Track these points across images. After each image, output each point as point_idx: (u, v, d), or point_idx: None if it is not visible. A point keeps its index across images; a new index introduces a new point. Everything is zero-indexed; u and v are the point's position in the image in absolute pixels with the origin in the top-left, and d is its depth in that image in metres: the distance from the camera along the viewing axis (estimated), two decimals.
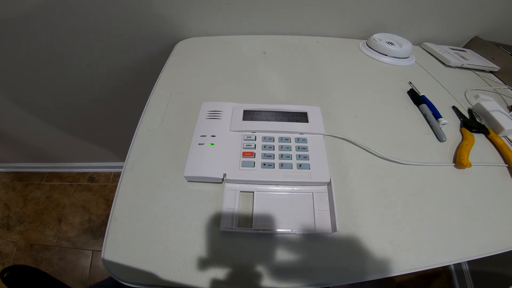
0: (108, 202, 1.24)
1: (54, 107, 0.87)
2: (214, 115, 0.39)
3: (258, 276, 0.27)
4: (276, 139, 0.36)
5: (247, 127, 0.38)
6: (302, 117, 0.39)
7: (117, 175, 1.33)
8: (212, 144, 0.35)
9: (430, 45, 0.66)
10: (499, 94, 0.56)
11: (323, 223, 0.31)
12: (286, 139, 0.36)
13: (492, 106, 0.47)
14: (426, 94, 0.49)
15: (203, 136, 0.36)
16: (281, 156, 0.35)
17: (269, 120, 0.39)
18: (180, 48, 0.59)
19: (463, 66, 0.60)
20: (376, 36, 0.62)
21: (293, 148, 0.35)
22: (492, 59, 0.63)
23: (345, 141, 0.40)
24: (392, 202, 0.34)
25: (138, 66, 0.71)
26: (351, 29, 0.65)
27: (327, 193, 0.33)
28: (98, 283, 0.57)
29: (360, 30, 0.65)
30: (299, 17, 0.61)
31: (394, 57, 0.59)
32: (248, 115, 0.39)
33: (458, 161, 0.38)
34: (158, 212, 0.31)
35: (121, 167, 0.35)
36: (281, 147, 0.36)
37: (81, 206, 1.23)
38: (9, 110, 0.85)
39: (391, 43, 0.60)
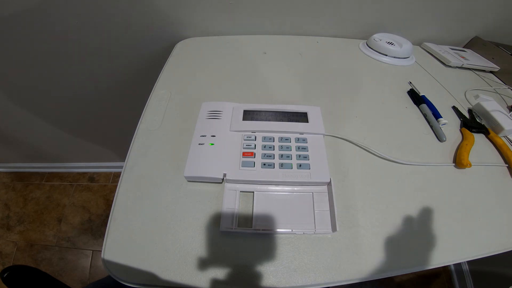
0: (108, 202, 1.24)
1: (54, 107, 0.87)
2: (214, 115, 0.39)
3: (258, 276, 0.27)
4: (276, 139, 0.36)
5: (247, 127, 0.38)
6: (302, 117, 0.39)
7: (117, 175, 1.33)
8: (212, 144, 0.35)
9: (430, 45, 0.66)
10: (499, 94, 0.56)
11: (323, 223, 0.31)
12: (286, 139, 0.36)
13: (492, 106, 0.47)
14: (426, 94, 0.49)
15: (203, 136, 0.36)
16: (281, 156, 0.35)
17: (269, 120, 0.39)
18: (180, 48, 0.59)
19: (463, 66, 0.60)
20: (376, 36, 0.62)
21: (293, 148, 0.35)
22: (492, 59, 0.63)
23: (345, 141, 0.40)
24: (392, 202, 0.34)
25: (138, 66, 0.71)
26: (351, 29, 0.65)
27: (327, 193, 0.33)
28: (98, 280, 0.57)
29: (360, 30, 0.65)
30: (299, 17, 0.61)
31: (394, 57, 0.59)
32: (248, 115, 0.39)
33: (458, 161, 0.38)
34: (158, 212, 0.31)
35: (121, 167, 0.35)
36: (281, 147, 0.36)
37: (81, 206, 1.23)
38: (9, 110, 0.85)
39: (391, 43, 0.60)
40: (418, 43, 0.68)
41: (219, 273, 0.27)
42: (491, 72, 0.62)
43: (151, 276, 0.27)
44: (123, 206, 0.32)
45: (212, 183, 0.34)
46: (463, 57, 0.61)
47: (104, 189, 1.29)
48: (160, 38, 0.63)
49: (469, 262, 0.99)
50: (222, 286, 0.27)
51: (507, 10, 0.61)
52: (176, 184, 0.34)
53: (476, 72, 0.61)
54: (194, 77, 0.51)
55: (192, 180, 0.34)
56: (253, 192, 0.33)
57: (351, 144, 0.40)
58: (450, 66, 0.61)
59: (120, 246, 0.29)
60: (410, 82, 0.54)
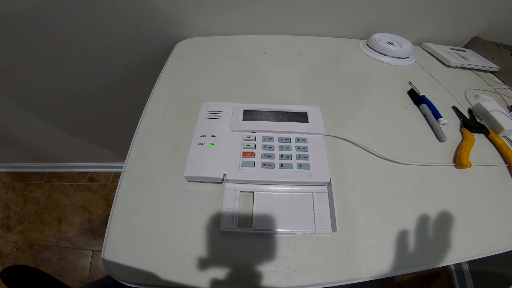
0: (108, 202, 1.24)
1: (54, 107, 0.87)
2: (214, 115, 0.39)
3: (258, 276, 0.27)
4: (276, 139, 0.36)
5: (247, 127, 0.38)
6: (302, 117, 0.39)
7: (117, 175, 1.33)
8: (212, 144, 0.35)
9: (430, 45, 0.66)
10: (499, 94, 0.56)
11: (323, 223, 0.31)
12: (286, 139, 0.36)
13: (492, 106, 0.47)
14: (426, 94, 0.49)
15: (203, 136, 0.36)
16: (281, 156, 0.35)
17: (269, 120, 0.39)
18: (180, 48, 0.59)
19: (463, 66, 0.60)
20: (376, 36, 0.62)
21: (293, 148, 0.35)
22: (492, 59, 0.63)
23: (345, 141, 0.40)
24: (392, 202, 0.34)
25: (138, 66, 0.71)
26: (351, 29, 0.65)
27: (327, 193, 0.33)
28: (97, 280, 0.57)
29: (360, 30, 0.65)
30: (299, 17, 0.61)
31: (394, 57, 0.59)
32: (248, 115, 0.39)
33: (458, 161, 0.38)
34: (158, 212, 0.31)
35: (121, 167, 0.35)
36: (281, 147, 0.36)
37: (81, 206, 1.23)
38: (9, 110, 0.85)
39: (391, 43, 0.60)
40: (418, 43, 0.68)
41: (219, 273, 0.27)
42: (491, 72, 0.62)
43: (151, 276, 0.27)
44: (123, 206, 0.32)
45: (212, 183, 0.34)
46: (463, 57, 0.61)
47: (104, 189, 1.29)
48: (160, 38, 0.63)
49: (469, 262, 0.99)
50: (222, 286, 0.27)
51: (507, 10, 0.61)
52: (176, 184, 0.34)
53: (476, 72, 0.61)
54: (194, 77, 0.51)
55: (192, 180, 0.34)
56: (253, 192, 0.33)
57: (351, 144, 0.40)
58: (450, 66, 0.61)
59: (120, 246, 0.29)
60: (410, 82, 0.54)
